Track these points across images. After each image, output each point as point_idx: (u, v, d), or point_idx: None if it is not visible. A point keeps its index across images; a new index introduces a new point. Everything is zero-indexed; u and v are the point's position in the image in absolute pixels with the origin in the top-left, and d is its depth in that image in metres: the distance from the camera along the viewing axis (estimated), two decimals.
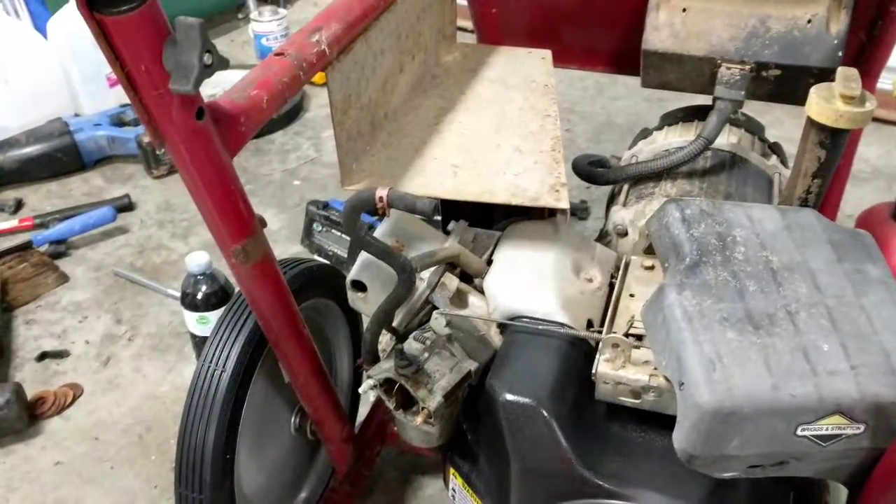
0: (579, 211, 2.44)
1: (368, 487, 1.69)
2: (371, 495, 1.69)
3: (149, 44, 0.79)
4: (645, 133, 1.81)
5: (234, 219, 1.00)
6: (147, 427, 1.86)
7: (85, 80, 2.91)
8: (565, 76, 3.15)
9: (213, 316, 1.81)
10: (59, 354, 2.05)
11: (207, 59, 0.80)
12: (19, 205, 2.61)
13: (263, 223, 1.06)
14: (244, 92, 0.98)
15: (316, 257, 2.28)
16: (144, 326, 2.15)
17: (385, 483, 1.71)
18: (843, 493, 1.11)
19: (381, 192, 0.99)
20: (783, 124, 2.80)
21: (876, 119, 2.73)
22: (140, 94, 0.83)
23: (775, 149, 1.74)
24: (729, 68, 1.54)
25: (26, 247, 2.35)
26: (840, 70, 1.13)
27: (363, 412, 1.69)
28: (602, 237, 1.53)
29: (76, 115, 2.93)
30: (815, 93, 1.13)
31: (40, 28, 2.97)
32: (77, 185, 2.73)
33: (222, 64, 0.82)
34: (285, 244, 2.42)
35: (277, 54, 1.06)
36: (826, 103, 1.11)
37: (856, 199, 2.42)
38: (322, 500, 1.58)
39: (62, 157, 2.71)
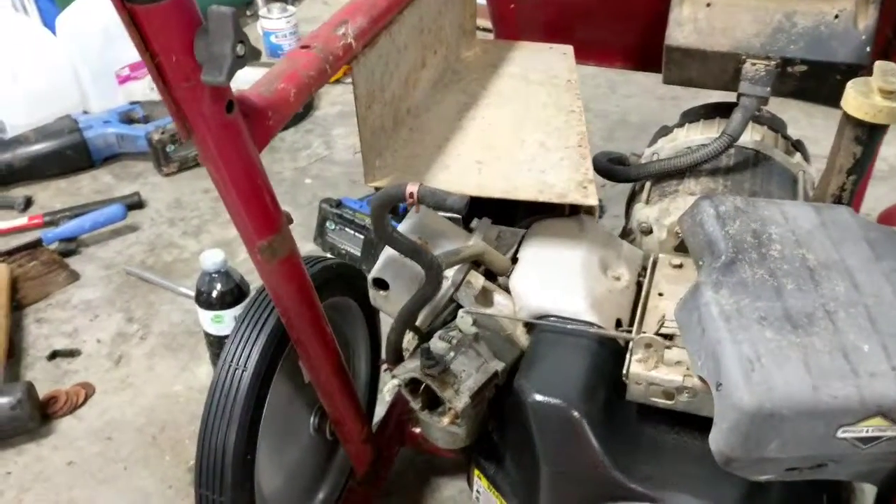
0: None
1: (386, 488, 1.67)
2: (389, 496, 1.66)
3: (180, 34, 0.77)
4: (665, 130, 1.79)
5: (261, 215, 0.98)
6: (160, 427, 1.84)
7: (94, 77, 2.89)
8: (578, 73, 3.13)
9: (228, 314, 1.79)
10: (71, 353, 2.03)
11: (240, 49, 0.78)
12: (29, 202, 2.59)
13: (290, 220, 1.04)
14: (272, 85, 0.96)
15: (329, 255, 2.26)
16: (156, 325, 2.13)
17: (403, 484, 1.69)
18: (868, 496, 1.09)
19: (412, 188, 0.97)
20: (799, 122, 2.77)
21: None
22: (170, 86, 0.81)
23: (798, 146, 1.71)
24: (754, 64, 1.51)
25: (36, 245, 2.33)
26: (878, 64, 1.11)
27: (380, 412, 1.67)
28: (626, 235, 1.50)
29: (85, 112, 2.91)
30: (853, 87, 1.11)
31: (49, 25, 2.95)
32: (86, 182, 2.71)
33: (254, 55, 0.80)
34: (298, 242, 2.35)
35: (304, 47, 1.04)
36: (864, 98, 1.09)
37: (873, 198, 2.39)
38: (340, 501, 1.56)
39: (71, 154, 2.69)
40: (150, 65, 0.79)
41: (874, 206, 2.25)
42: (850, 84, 1.11)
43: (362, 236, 2.19)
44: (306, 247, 2.35)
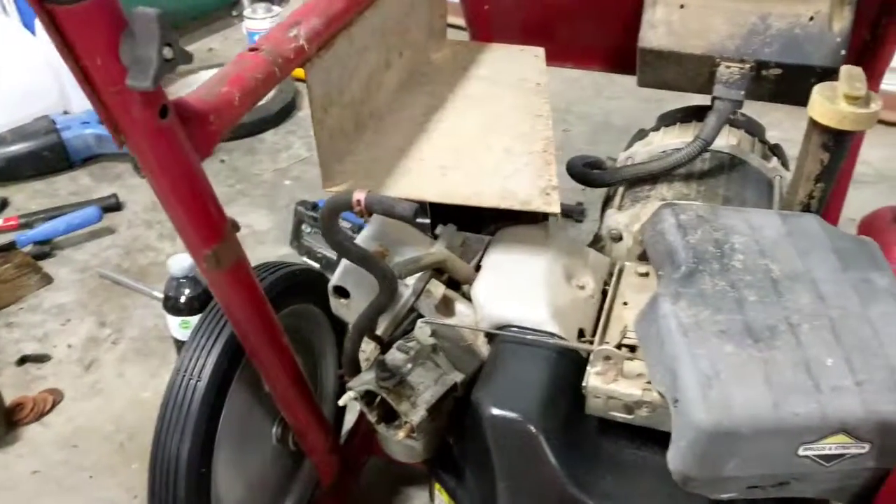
0: (575, 213, 2.39)
1: (355, 498, 1.63)
2: None
3: (104, 36, 0.74)
4: (641, 134, 1.76)
5: (204, 223, 0.95)
6: (129, 434, 1.81)
7: (74, 77, 2.84)
8: (562, 76, 3.09)
9: (196, 321, 1.75)
10: (40, 359, 2.00)
11: (168, 52, 0.74)
12: (4, 204, 2.56)
13: (236, 227, 1.01)
14: (214, 89, 0.93)
15: (306, 259, 2.23)
16: (129, 329, 2.09)
17: (372, 494, 1.66)
18: None
19: (359, 196, 0.94)
20: (782, 124, 2.73)
21: (880, 121, 2.68)
22: (98, 91, 0.78)
23: (776, 151, 1.68)
24: (728, 67, 1.48)
25: (10, 247, 2.29)
26: (844, 69, 1.08)
27: (351, 419, 1.64)
28: (596, 241, 1.47)
29: (65, 112, 2.87)
30: (819, 93, 1.08)
31: (28, 25, 2.91)
32: (64, 184, 2.68)
33: (184, 58, 0.77)
34: (274, 245, 2.36)
35: (252, 49, 1.01)
36: (830, 104, 1.06)
37: (858, 202, 2.35)
38: None
39: (48, 155, 2.65)
40: (75, 68, 0.76)
41: (859, 209, 2.22)
42: (816, 89, 1.08)
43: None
44: (282, 250, 2.32)
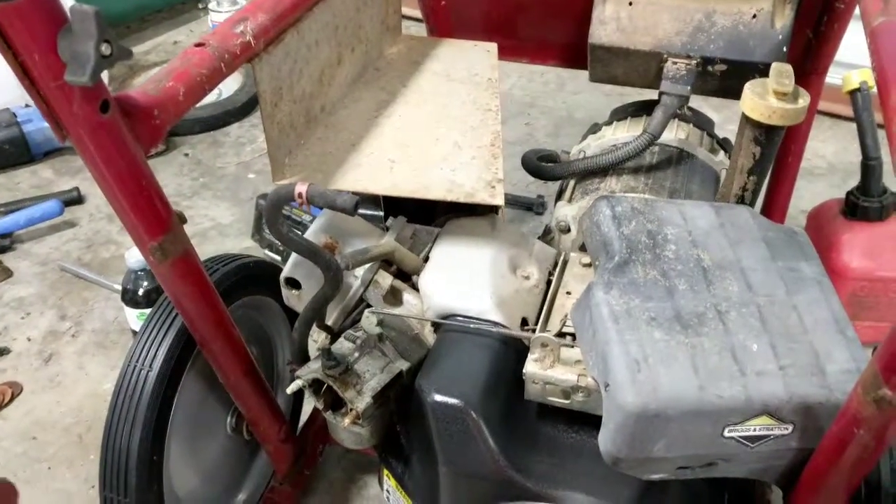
0: (535, 206, 2.42)
1: (311, 487, 1.66)
2: (314, 494, 1.66)
3: (41, 33, 0.75)
4: (595, 128, 1.80)
5: (149, 215, 0.96)
6: (87, 426, 1.82)
7: (13, 72, 2.82)
8: (525, 70, 3.12)
9: None
10: (0, 352, 2.00)
11: (105, 49, 0.76)
12: None
13: (183, 219, 1.03)
14: (159, 84, 0.95)
15: (267, 252, 2.24)
16: (89, 323, 2.10)
17: (329, 482, 1.68)
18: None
19: (301, 189, 0.96)
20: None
21: (832, 115, 2.74)
22: (37, 86, 0.80)
23: (724, 144, 1.73)
24: (675, 63, 1.52)
25: None
26: (774, 65, 1.12)
27: (308, 409, 1.66)
28: (546, 233, 1.51)
29: (26, 105, 2.85)
30: (750, 89, 1.12)
31: None
32: (25, 177, 2.66)
33: (123, 55, 0.79)
34: (238, 238, 2.38)
35: (198, 45, 1.03)
36: (759, 99, 1.10)
37: (811, 195, 2.42)
38: (262, 501, 1.55)
39: (9, 148, 2.64)
40: (14, 63, 0.77)
41: (812, 201, 2.28)
42: (747, 85, 1.12)
43: (300, 232, 2.17)
44: (245, 244, 2.33)
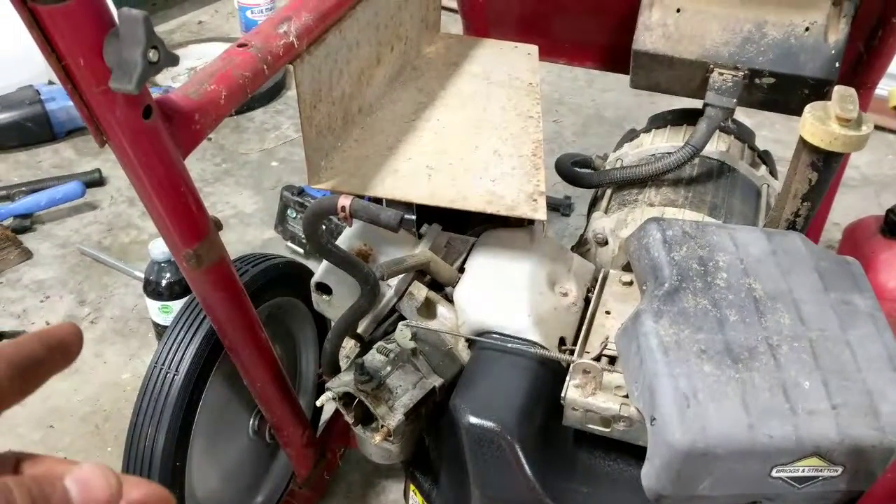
0: (563, 207, 2.38)
1: (331, 490, 1.64)
2: (332, 497, 1.63)
3: (88, 36, 0.72)
4: (632, 134, 1.75)
5: (186, 222, 0.93)
6: (105, 416, 1.80)
7: (56, 75, 2.79)
8: (555, 66, 3.07)
9: (176, 305, 1.74)
10: (18, 336, 1.98)
11: (153, 55, 0.73)
12: None
13: (219, 226, 1.00)
14: (201, 87, 0.91)
15: (290, 244, 2.21)
16: (108, 309, 2.08)
17: (347, 486, 1.66)
18: None
19: (344, 202, 0.93)
20: (774, 125, 2.75)
21: None
22: (80, 91, 0.76)
23: (765, 158, 1.68)
24: (721, 74, 1.48)
25: None
26: (837, 89, 1.07)
27: (329, 410, 1.63)
28: (581, 244, 1.47)
29: (50, 83, 2.82)
30: (810, 112, 1.07)
31: None
32: (47, 156, 2.64)
33: (171, 61, 0.75)
34: (260, 228, 2.35)
35: (240, 45, 0.99)
36: (821, 124, 1.05)
37: (842, 207, 2.37)
38: (281, 503, 1.52)
39: (32, 126, 2.61)
40: (57, 67, 0.74)
41: (844, 213, 2.23)
42: (807, 109, 1.08)
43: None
44: (267, 234, 2.30)
